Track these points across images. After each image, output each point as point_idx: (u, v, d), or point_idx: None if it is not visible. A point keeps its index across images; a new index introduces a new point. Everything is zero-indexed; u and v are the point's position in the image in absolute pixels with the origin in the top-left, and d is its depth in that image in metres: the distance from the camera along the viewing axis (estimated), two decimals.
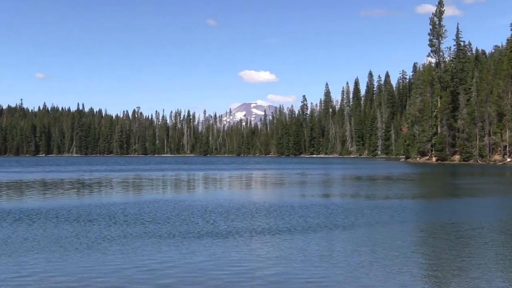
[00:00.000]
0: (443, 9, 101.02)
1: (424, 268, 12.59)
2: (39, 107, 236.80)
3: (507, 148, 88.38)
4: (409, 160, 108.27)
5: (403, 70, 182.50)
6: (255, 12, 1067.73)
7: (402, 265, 12.51)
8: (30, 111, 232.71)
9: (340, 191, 36.14)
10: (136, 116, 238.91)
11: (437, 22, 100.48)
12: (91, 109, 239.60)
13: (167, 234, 16.63)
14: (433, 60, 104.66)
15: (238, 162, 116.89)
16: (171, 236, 16.36)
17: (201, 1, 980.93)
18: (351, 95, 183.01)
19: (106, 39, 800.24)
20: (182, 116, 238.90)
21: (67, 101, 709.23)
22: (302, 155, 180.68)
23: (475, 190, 34.82)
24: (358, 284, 10.99)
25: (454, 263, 12.79)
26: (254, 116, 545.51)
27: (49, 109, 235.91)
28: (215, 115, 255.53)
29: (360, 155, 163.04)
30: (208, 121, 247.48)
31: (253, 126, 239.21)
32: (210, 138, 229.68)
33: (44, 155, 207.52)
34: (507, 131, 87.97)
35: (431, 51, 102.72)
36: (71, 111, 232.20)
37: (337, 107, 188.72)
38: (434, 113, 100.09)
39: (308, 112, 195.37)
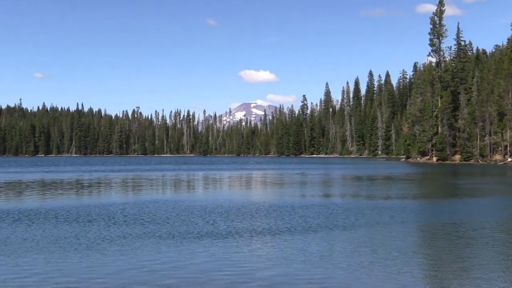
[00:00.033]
0: (443, 9, 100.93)
1: (425, 268, 12.55)
2: (38, 107, 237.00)
3: (508, 148, 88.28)
4: (409, 160, 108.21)
5: (403, 70, 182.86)
6: (255, 11, 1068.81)
7: (402, 266, 12.46)
8: (29, 111, 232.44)
9: (341, 191, 36.08)
10: (136, 116, 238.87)
11: (437, 22, 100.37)
12: (91, 109, 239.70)
13: (167, 235, 16.57)
14: (434, 60, 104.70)
15: (238, 162, 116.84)
16: (170, 236, 16.30)
17: (201, 1, 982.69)
18: (351, 95, 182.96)
19: (105, 39, 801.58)
20: (181, 116, 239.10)
21: (67, 101, 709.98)
22: (302, 155, 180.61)
23: (475, 190, 34.74)
24: (359, 285, 10.95)
25: (455, 264, 12.74)
26: (254, 116, 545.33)
27: (48, 109, 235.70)
28: (215, 115, 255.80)
29: (361, 155, 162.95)
30: (208, 121, 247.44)
31: (253, 126, 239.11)
32: (210, 138, 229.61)
33: (43, 155, 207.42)
34: (508, 130, 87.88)
35: (432, 50, 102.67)
36: (71, 111, 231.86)
37: (337, 107, 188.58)
38: (435, 113, 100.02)
39: (308, 112, 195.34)
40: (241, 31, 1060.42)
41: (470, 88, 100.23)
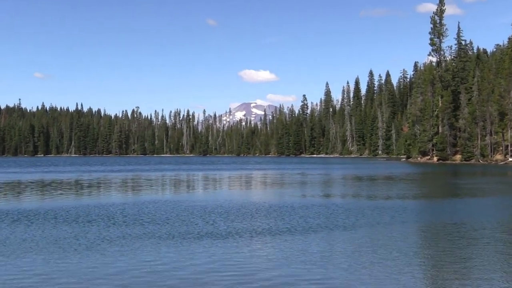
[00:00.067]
0: (444, 8, 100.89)
1: (426, 269, 12.49)
2: (37, 107, 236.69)
3: (509, 148, 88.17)
4: (410, 160, 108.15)
5: (404, 69, 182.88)
6: (255, 11, 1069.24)
7: (403, 266, 12.41)
8: (28, 111, 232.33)
9: (341, 191, 36.01)
10: (135, 116, 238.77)
11: (438, 21, 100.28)
12: (90, 109, 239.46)
13: (167, 235, 16.51)
14: (434, 59, 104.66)
15: (238, 162, 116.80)
16: (170, 237, 16.24)
17: (201, 0, 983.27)
18: (351, 95, 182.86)
19: (105, 38, 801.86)
20: (181, 116, 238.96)
21: (66, 101, 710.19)
22: (303, 155, 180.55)
23: (476, 190, 34.69)
24: (360, 285, 10.90)
25: (456, 264, 12.68)
26: (254, 116, 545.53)
27: (47, 109, 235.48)
28: (215, 115, 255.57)
29: (361, 155, 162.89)
30: (208, 121, 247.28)
31: (253, 126, 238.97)
32: (210, 138, 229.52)
33: (42, 155, 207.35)
34: (509, 130, 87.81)
35: (432, 50, 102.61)
36: (70, 111, 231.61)
37: (338, 106, 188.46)
38: (435, 113, 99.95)
39: (309, 111, 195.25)
40: (241, 31, 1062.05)
41: (471, 88, 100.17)
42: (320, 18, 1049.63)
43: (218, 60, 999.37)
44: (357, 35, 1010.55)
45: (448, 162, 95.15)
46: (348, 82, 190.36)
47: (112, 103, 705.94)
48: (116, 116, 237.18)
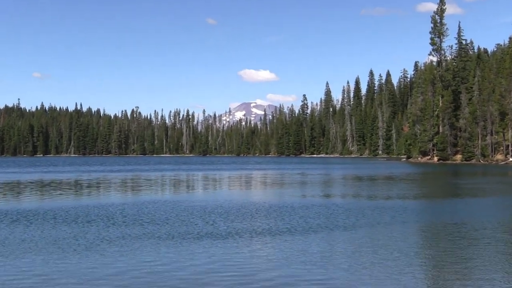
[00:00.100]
0: (444, 7, 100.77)
1: (427, 269, 12.46)
2: (36, 107, 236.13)
3: (510, 148, 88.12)
4: (410, 160, 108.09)
5: (404, 69, 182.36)
6: (255, 10, 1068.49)
7: (404, 266, 12.37)
8: (27, 111, 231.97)
9: (341, 191, 35.98)
10: (135, 116, 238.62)
11: (438, 21, 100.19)
12: (89, 109, 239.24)
13: (166, 235, 16.46)
14: (435, 59, 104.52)
15: (237, 162, 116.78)
16: (170, 237, 16.19)
17: (201, 0, 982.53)
18: (351, 94, 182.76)
19: (105, 38, 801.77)
20: (181, 116, 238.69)
21: (65, 100, 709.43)
22: (303, 155, 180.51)
23: (477, 190, 34.66)
24: (360, 285, 10.86)
25: (457, 264, 12.64)
26: (254, 115, 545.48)
27: (46, 109, 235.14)
28: (215, 115, 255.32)
29: (361, 155, 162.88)
30: (208, 121, 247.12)
31: (252, 125, 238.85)
32: (210, 138, 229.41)
33: (41, 155, 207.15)
34: (510, 130, 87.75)
35: (433, 49, 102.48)
36: (69, 111, 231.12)
37: (338, 106, 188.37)
38: (436, 112, 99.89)
39: (309, 111, 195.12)
40: (241, 30, 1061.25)
41: (471, 88, 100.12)
42: (320, 18, 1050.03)
43: (217, 59, 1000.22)
44: (358, 34, 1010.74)
45: (449, 162, 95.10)
46: (348, 82, 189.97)
47: (112, 103, 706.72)
48: (115, 116, 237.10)
